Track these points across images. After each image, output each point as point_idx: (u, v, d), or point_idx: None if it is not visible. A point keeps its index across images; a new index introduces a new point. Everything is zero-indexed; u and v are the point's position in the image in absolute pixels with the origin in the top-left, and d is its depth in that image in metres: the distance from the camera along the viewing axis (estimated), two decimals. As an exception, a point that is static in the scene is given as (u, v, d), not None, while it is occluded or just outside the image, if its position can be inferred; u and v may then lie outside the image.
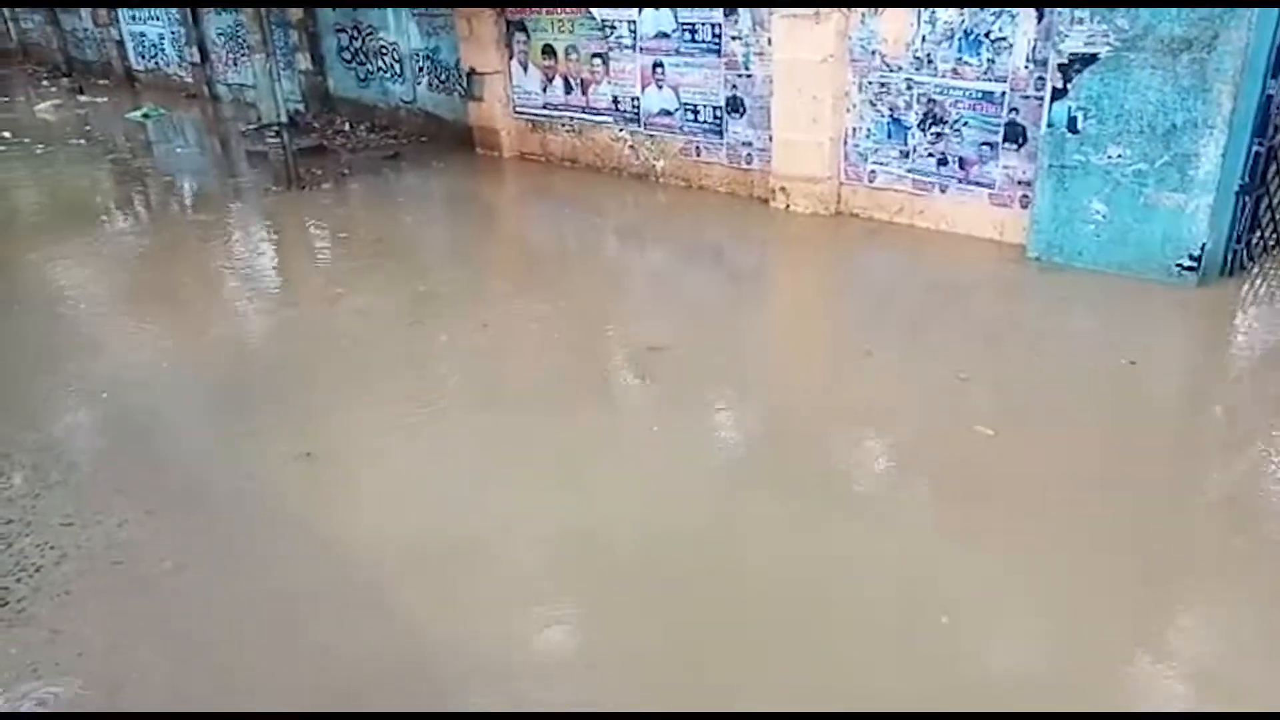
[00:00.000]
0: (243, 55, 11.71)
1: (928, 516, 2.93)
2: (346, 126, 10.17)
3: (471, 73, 8.45)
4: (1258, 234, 4.65)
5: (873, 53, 5.62)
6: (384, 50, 9.76)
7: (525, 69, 8.16)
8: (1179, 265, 4.48)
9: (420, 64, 9.34)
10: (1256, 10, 4.03)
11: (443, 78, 9.11)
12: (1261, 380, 3.79)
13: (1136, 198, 4.53)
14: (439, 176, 8.12)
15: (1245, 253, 4.61)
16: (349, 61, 10.37)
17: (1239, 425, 3.47)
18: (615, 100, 7.47)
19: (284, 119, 7.48)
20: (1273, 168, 4.51)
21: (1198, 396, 3.84)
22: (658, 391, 3.89)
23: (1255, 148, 4.34)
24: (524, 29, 8.00)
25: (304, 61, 10.74)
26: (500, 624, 2.48)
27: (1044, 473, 3.11)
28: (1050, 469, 3.13)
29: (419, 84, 9.47)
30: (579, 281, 5.38)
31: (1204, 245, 4.41)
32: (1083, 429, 3.39)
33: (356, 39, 10.09)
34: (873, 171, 5.87)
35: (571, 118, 7.91)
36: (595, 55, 7.47)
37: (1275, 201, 4.68)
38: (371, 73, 10.09)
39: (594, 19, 7.32)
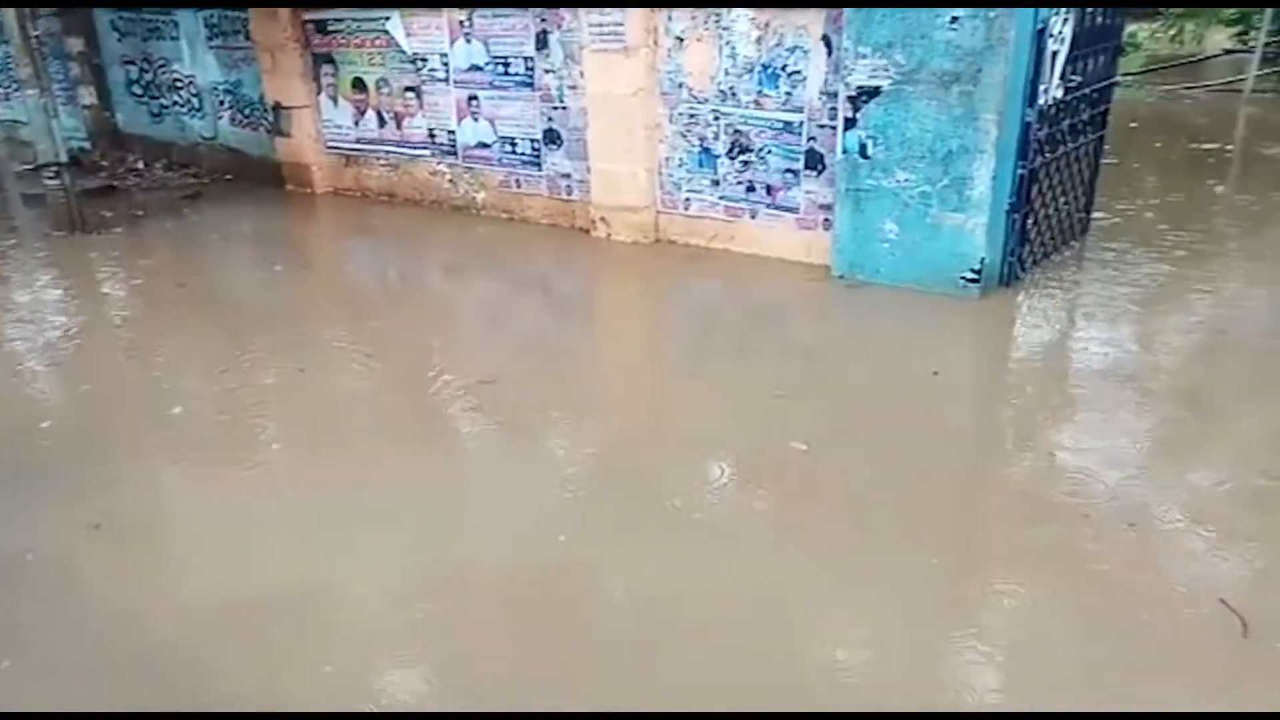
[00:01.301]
0: (14, 90, 10.69)
1: (757, 529, 3.02)
2: (140, 165, 9.48)
3: (277, 107, 8.09)
4: (1027, 247, 5.14)
5: (680, 85, 5.82)
6: (179, 84, 9.18)
7: (335, 102, 7.90)
8: (963, 278, 4.88)
9: (221, 98, 8.86)
10: (1013, 47, 4.47)
11: (246, 112, 8.67)
12: (1044, 378, 4.19)
13: (923, 217, 4.91)
14: (246, 216, 7.70)
15: (1018, 265, 5.07)
16: (140, 96, 9.69)
17: (1030, 423, 3.79)
18: (431, 133, 7.36)
19: (64, 158, 6.87)
20: (1035, 188, 5.01)
21: (993, 399, 4.17)
22: (491, 426, 3.83)
23: (1020, 170, 4.81)
24: (331, 61, 7.76)
25: (88, 96, 9.94)
26: (333, 685, 2.35)
27: (861, 481, 3.29)
28: (867, 477, 3.31)
29: (220, 119, 8.97)
30: (402, 319, 5.23)
31: (983, 259, 4.83)
32: (895, 437, 3.61)
33: (147, 71, 9.45)
34: (687, 200, 6.06)
35: (387, 152, 7.73)
36: (408, 88, 7.34)
37: (1040, 218, 5.20)
38: (166, 107, 9.47)
39: (404, 52, 7.20)
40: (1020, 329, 4.80)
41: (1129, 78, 12.58)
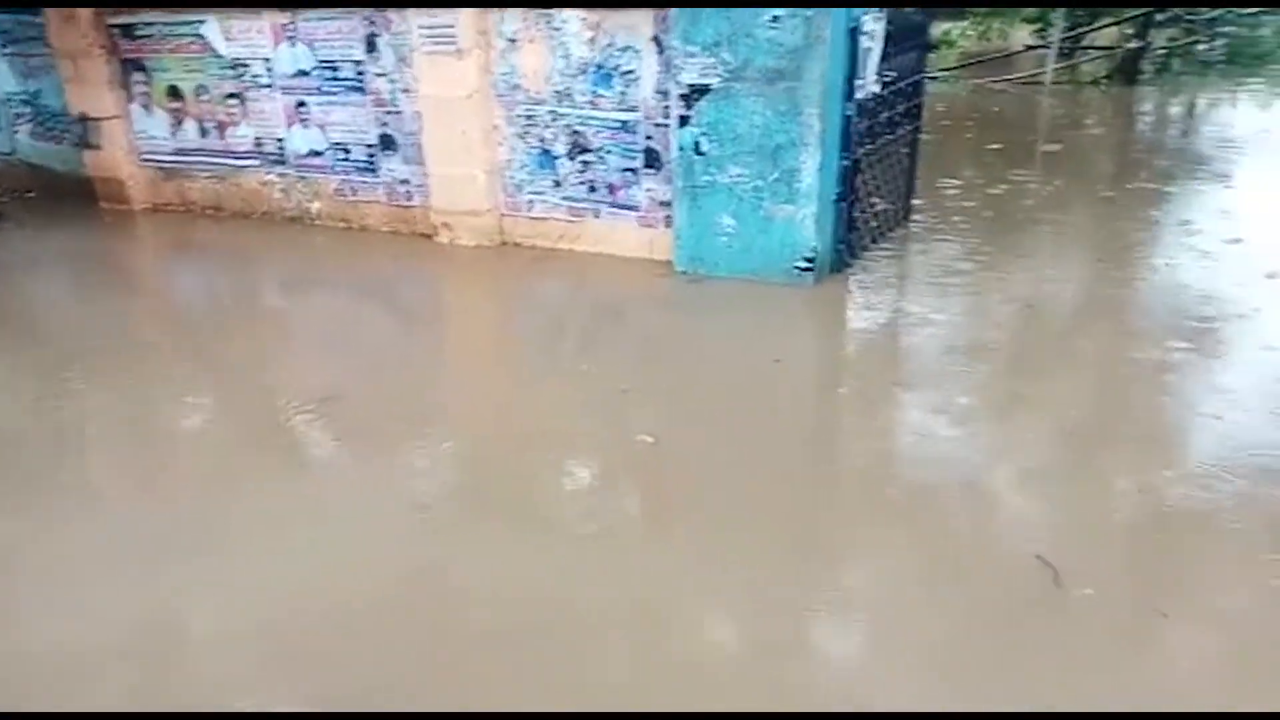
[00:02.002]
0: None
1: (609, 522, 3.04)
2: (-75, 185, 8.58)
3: (84, 118, 7.50)
4: (855, 235, 5.40)
5: (515, 87, 5.78)
6: (-34, 95, 8.37)
7: (149, 112, 7.40)
8: (797, 267, 5.08)
9: (18, 110, 8.13)
10: (830, 45, 4.68)
11: (49, 124, 7.99)
12: (877, 356, 4.46)
13: (757, 210, 5.08)
14: (56, 236, 7.09)
15: (848, 252, 5.33)
16: (-79, 109, 8.77)
17: (870, 398, 3.99)
18: (258, 142, 7.01)
19: None
20: (859, 178, 5.27)
21: (832, 379, 4.37)
22: (337, 443, 3.69)
23: (843, 162, 5.04)
24: (143, 68, 7.26)
25: None
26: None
27: (709, 466, 3.37)
28: (714, 462, 3.40)
29: (17, 132, 8.23)
30: (237, 339, 4.95)
31: (815, 248, 5.04)
32: (740, 423, 3.71)
33: (-72, 82, 8.56)
34: (530, 201, 6.03)
35: (211, 163, 7.30)
36: (230, 95, 6.97)
37: (865, 206, 5.47)
38: (-47, 121, 8.61)
39: (222, 57, 6.82)
40: (853, 312, 5.04)
41: (945, 73, 13.45)
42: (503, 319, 5.41)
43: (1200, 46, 13.54)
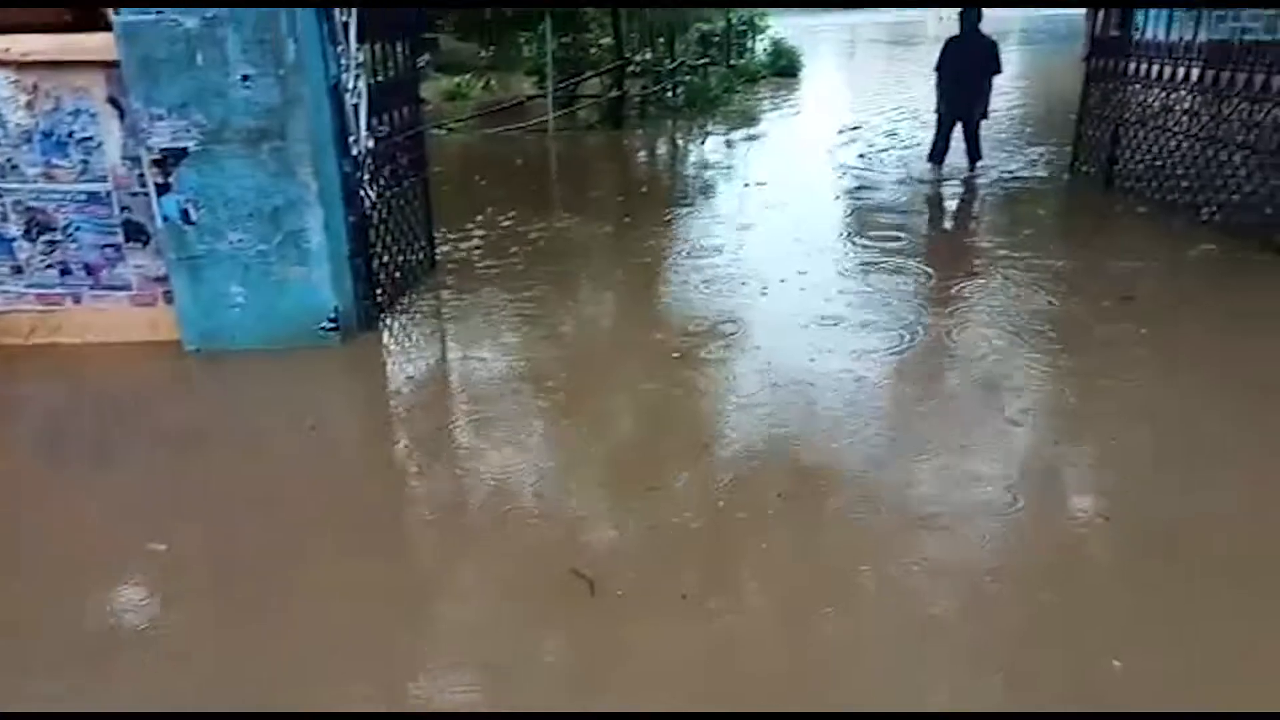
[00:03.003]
0: None
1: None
2: None
3: None
4: (380, 290, 5.39)
5: (-61, 162, 4.80)
6: None
7: None
8: (322, 329, 4.91)
9: None
10: (312, 103, 4.59)
11: None
12: (420, 407, 4.45)
13: (267, 276, 4.81)
14: None
15: (374, 306, 5.28)
16: None
17: (422, 448, 3.99)
18: None
19: None
20: (372, 233, 5.26)
21: (374, 437, 4.27)
22: None
23: (351, 218, 4.99)
24: None
25: None
26: None
27: (249, 561, 3.10)
28: (257, 553, 3.15)
29: None
30: None
31: (337, 308, 4.92)
32: (282, 501, 3.50)
33: None
34: (-15, 295, 5.05)
35: None
36: None
37: (385, 260, 5.48)
38: None
39: None
40: (387, 364, 5.02)
41: (461, 123, 14.09)
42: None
43: (667, 94, 15.86)
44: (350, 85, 4.84)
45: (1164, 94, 7.36)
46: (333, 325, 4.93)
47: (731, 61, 19.54)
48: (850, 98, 17.58)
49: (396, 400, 4.61)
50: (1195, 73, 6.96)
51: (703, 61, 17.83)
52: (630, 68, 15.42)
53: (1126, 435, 3.90)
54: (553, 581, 2.93)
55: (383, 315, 5.39)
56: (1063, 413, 4.19)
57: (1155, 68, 7.43)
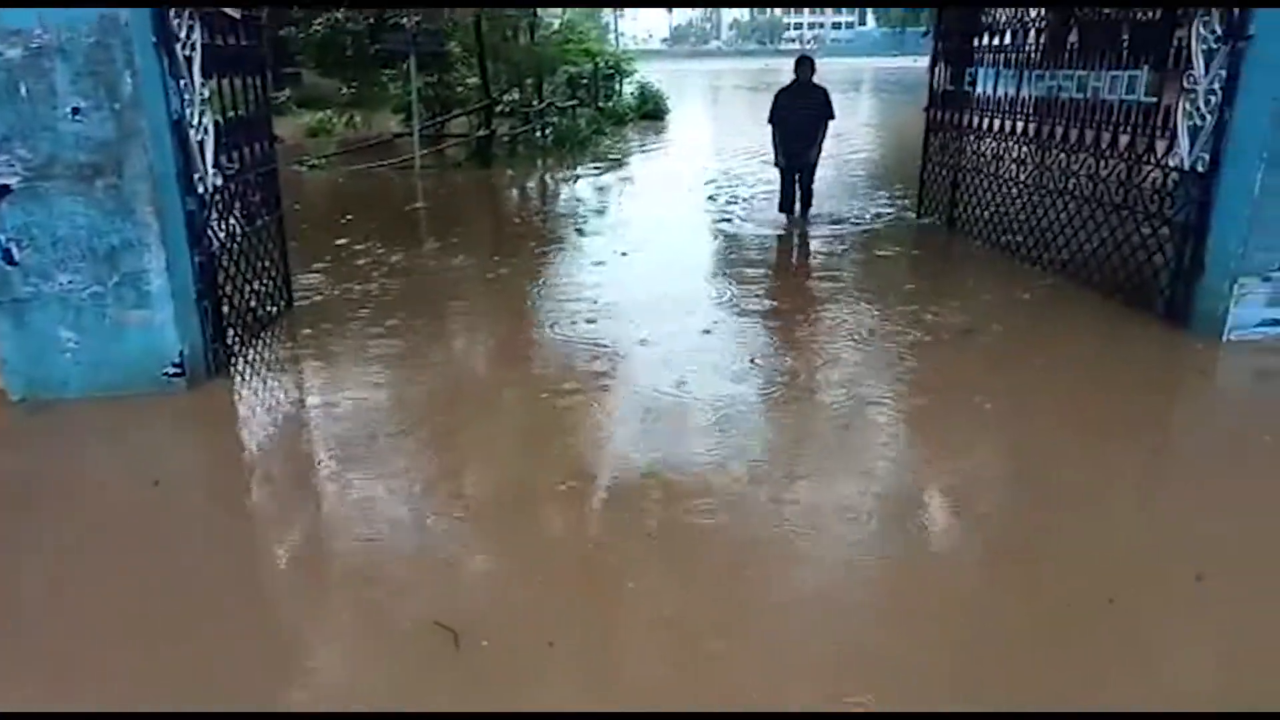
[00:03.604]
0: None
1: None
2: None
3: None
4: (231, 331, 5.14)
5: None
6: None
7: None
8: (166, 374, 4.64)
9: None
10: (151, 138, 4.37)
11: None
12: (278, 453, 4.27)
13: (103, 320, 4.52)
14: None
15: (224, 349, 5.03)
16: None
17: (286, 497, 3.83)
18: None
19: None
20: (221, 274, 5.03)
21: (230, 489, 4.04)
22: None
23: (197, 258, 4.76)
24: None
25: None
26: None
27: (96, 637, 2.85)
28: (104, 627, 2.89)
29: None
30: None
31: (183, 352, 4.66)
32: (137, 569, 3.26)
33: None
34: None
35: None
36: None
37: (236, 301, 5.24)
38: None
39: None
40: (239, 409, 4.78)
41: (324, 159, 13.72)
42: None
43: (536, 134, 15.97)
44: (195, 121, 4.64)
45: (995, 144, 7.96)
46: (178, 370, 4.66)
47: (600, 104, 19.90)
48: (714, 140, 18.19)
49: (246, 450, 4.39)
50: (1020, 125, 7.56)
51: (571, 103, 18.09)
52: (499, 107, 15.47)
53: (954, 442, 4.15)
54: (415, 635, 2.84)
55: (234, 359, 5.14)
56: (910, 438, 4.42)
57: (987, 120, 8.04)
